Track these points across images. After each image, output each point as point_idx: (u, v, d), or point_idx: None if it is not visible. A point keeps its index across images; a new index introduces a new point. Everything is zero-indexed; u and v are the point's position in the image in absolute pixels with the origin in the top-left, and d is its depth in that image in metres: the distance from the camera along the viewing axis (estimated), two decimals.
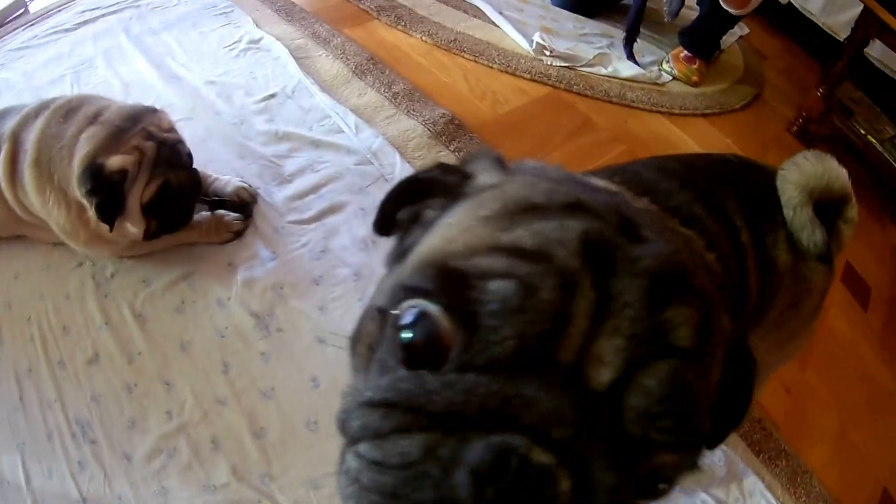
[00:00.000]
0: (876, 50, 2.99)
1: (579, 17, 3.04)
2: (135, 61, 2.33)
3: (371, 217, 1.64)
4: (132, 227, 1.56)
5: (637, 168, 0.94)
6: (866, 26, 2.51)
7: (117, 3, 2.67)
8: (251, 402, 1.51)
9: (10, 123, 1.66)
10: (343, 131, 2.00)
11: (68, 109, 1.57)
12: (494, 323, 0.43)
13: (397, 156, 1.91)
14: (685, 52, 2.86)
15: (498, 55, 2.49)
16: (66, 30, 2.55)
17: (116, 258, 1.77)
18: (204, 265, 1.72)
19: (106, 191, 1.48)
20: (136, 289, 1.71)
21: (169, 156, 1.56)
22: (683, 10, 2.99)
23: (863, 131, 2.72)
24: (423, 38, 2.54)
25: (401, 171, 1.86)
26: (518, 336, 0.43)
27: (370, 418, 0.46)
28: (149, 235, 1.61)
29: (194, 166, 1.66)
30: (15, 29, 2.59)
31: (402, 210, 0.67)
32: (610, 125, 2.27)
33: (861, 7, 2.53)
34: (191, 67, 2.28)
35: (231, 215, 1.76)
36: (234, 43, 2.41)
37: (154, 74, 2.26)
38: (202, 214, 1.76)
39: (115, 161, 1.46)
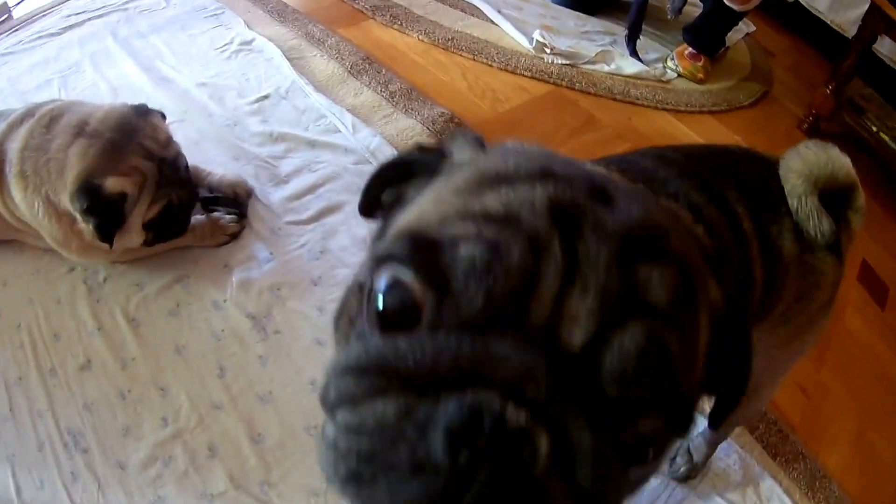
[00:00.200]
0: (886, 47, 3.05)
1: (580, 14, 3.10)
2: (123, 65, 2.37)
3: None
4: (131, 242, 1.60)
5: (635, 157, 0.96)
6: (874, 23, 2.57)
7: (104, 6, 2.73)
8: (249, 406, 1.53)
9: None
10: (340, 131, 2.04)
11: (51, 118, 1.58)
12: (464, 284, 0.45)
13: (394, 153, 1.93)
14: (689, 49, 2.91)
15: (497, 53, 2.54)
16: (52, 34, 2.60)
17: (109, 263, 1.80)
18: (199, 268, 1.75)
19: (105, 211, 1.51)
20: (129, 293, 1.74)
21: (170, 175, 1.59)
22: (687, 6, 3.04)
23: (874, 128, 2.76)
24: (420, 37, 2.59)
25: None
26: (487, 296, 0.44)
27: (345, 384, 0.47)
28: (146, 244, 1.65)
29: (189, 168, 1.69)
30: None
31: (385, 192, 0.71)
32: (614, 122, 2.31)
33: (868, 4, 2.58)
34: (181, 70, 2.32)
35: (226, 217, 1.79)
36: (225, 45, 2.46)
37: (143, 77, 2.30)
38: (197, 218, 1.79)
39: (114, 184, 1.49)
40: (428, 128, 2.05)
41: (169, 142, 1.62)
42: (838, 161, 1.02)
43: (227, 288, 1.70)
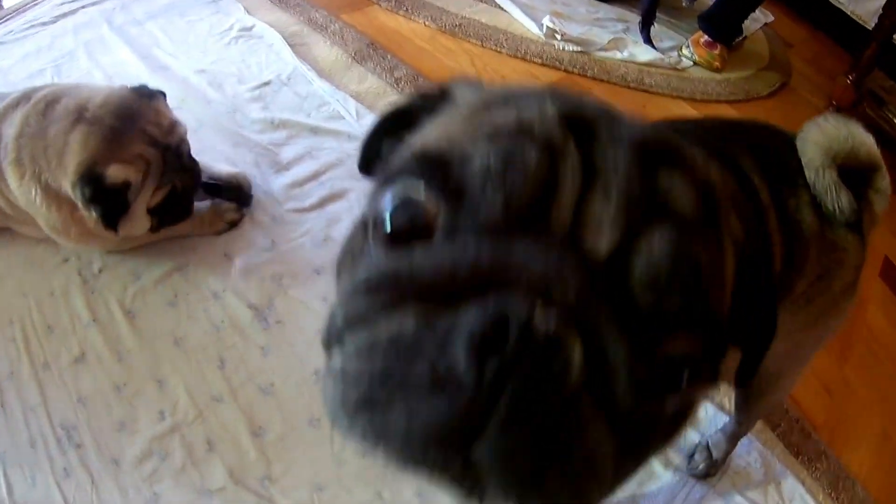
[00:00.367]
0: None
1: (592, 0, 3.11)
2: (118, 52, 2.38)
3: None
4: (136, 229, 1.60)
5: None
6: (894, 14, 2.58)
7: None
8: (249, 398, 1.53)
9: None
10: (343, 117, 2.05)
11: (47, 103, 1.58)
12: (480, 192, 0.43)
13: None
14: (705, 37, 2.92)
15: (506, 39, 2.55)
16: (44, 23, 2.60)
17: (104, 253, 1.80)
18: (198, 256, 1.76)
19: (108, 200, 1.51)
20: (125, 283, 1.74)
21: (174, 162, 1.60)
22: None
23: None
24: (427, 22, 2.60)
25: None
26: (505, 202, 0.42)
27: (354, 305, 0.45)
28: (151, 230, 1.65)
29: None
30: None
31: (385, 144, 0.69)
32: (627, 111, 2.31)
33: None
34: (179, 57, 2.33)
35: (227, 205, 1.79)
36: (224, 31, 2.47)
37: (140, 65, 2.31)
38: (196, 205, 1.79)
39: (116, 172, 1.49)
40: None
41: (173, 126, 1.62)
42: (859, 137, 1.01)
43: (227, 277, 1.71)
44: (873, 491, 1.68)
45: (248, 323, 1.63)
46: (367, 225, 0.50)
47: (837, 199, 0.95)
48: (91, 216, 1.52)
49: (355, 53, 2.32)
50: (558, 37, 2.55)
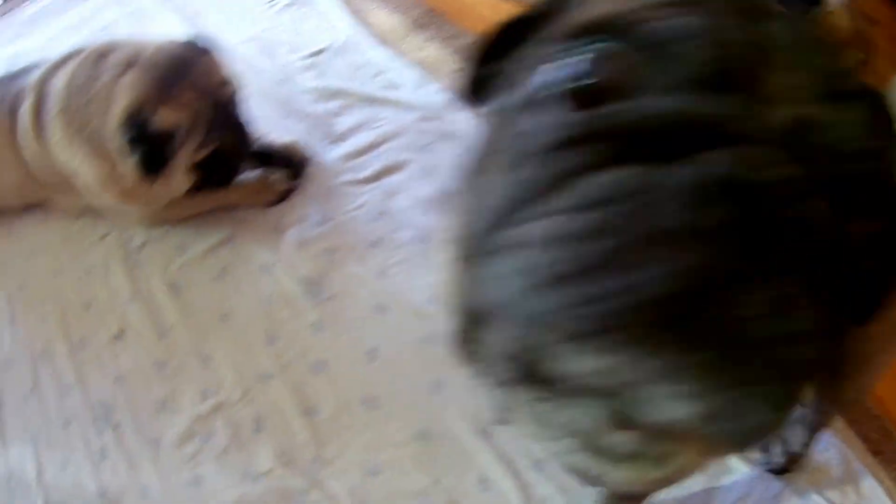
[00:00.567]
0: None
1: None
2: (163, 22, 2.53)
3: (438, 175, 1.74)
4: (175, 185, 1.70)
5: None
6: None
7: None
8: (300, 377, 1.59)
9: (36, 74, 1.84)
10: (402, 87, 2.12)
11: (99, 55, 1.72)
12: (683, 48, 0.44)
13: (463, 112, 2.00)
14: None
15: None
16: None
17: (147, 227, 1.91)
18: (247, 229, 1.84)
19: (150, 145, 1.61)
20: (169, 258, 1.84)
21: (224, 117, 1.69)
22: None
23: None
24: None
25: (467, 127, 1.90)
26: (714, 59, 0.43)
27: (532, 172, 0.44)
28: (190, 193, 1.76)
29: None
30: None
31: (492, 67, 0.68)
32: None
33: None
34: (227, 25, 2.45)
35: (277, 175, 1.89)
36: None
37: (186, 34, 2.44)
38: (245, 175, 1.89)
39: (164, 117, 1.59)
40: None
41: (225, 82, 1.72)
42: None
43: (277, 250, 1.78)
44: None
45: (299, 298, 1.70)
46: (523, 105, 0.52)
47: None
48: (130, 165, 1.63)
49: (414, 21, 2.36)
50: None
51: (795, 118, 0.43)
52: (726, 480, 1.46)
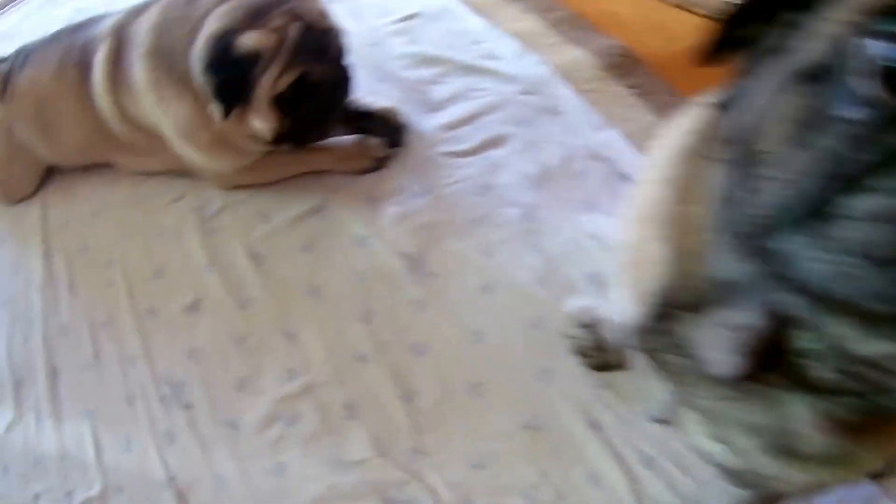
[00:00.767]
0: None
1: None
2: None
3: (541, 152, 1.64)
4: (259, 123, 1.56)
5: None
6: None
7: None
8: (398, 358, 1.48)
9: (109, 21, 1.73)
10: (501, 58, 2.02)
11: None
12: None
13: (566, 86, 1.90)
14: None
15: None
16: None
17: (226, 189, 1.80)
18: (338, 198, 1.73)
19: (230, 70, 1.50)
20: (251, 224, 1.73)
21: (314, 44, 1.56)
22: None
23: None
24: None
25: (572, 103, 1.85)
26: None
27: (852, 147, 0.44)
28: (280, 139, 1.61)
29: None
30: None
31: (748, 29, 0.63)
32: None
33: None
34: None
35: (374, 140, 1.76)
36: None
37: None
38: (340, 139, 1.77)
39: (247, 38, 1.48)
40: (600, 60, 2.01)
41: (324, 14, 1.60)
42: None
43: (372, 222, 1.67)
44: None
45: (398, 273, 1.58)
46: (819, 75, 0.49)
47: None
48: (215, 106, 1.52)
49: None
50: None
51: None
52: None
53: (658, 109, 1.71)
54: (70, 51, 1.79)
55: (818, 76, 0.51)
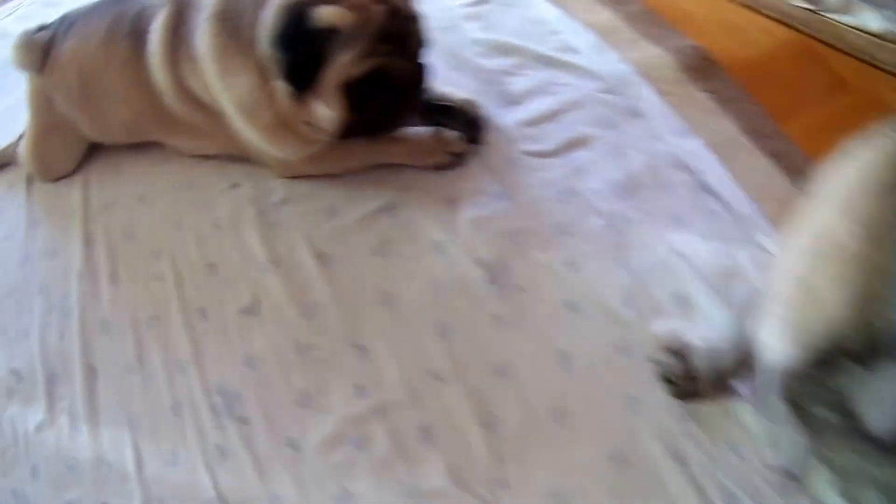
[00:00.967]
0: None
1: None
2: None
3: (625, 157, 1.61)
4: (323, 111, 1.44)
5: None
6: None
7: None
8: (480, 379, 1.36)
9: None
10: (579, 51, 1.92)
11: None
12: None
13: (648, 87, 1.81)
14: None
15: None
16: None
17: (289, 178, 1.68)
18: (413, 196, 1.62)
19: (301, 45, 1.37)
20: (316, 221, 1.62)
21: (397, 31, 1.44)
22: None
23: None
24: None
25: (654, 106, 1.75)
26: None
27: None
28: (344, 132, 1.49)
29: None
30: None
31: None
32: (861, 88, 2.15)
33: None
34: None
35: (451, 133, 1.64)
36: None
37: None
38: (415, 130, 1.66)
39: (326, 11, 1.35)
40: (678, 61, 1.91)
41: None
42: None
43: (450, 226, 1.56)
44: None
45: (479, 284, 1.46)
46: None
47: None
48: (274, 65, 1.40)
49: None
50: None
51: None
52: None
53: (737, 118, 1.67)
54: (121, 19, 1.68)
55: None
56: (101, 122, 1.81)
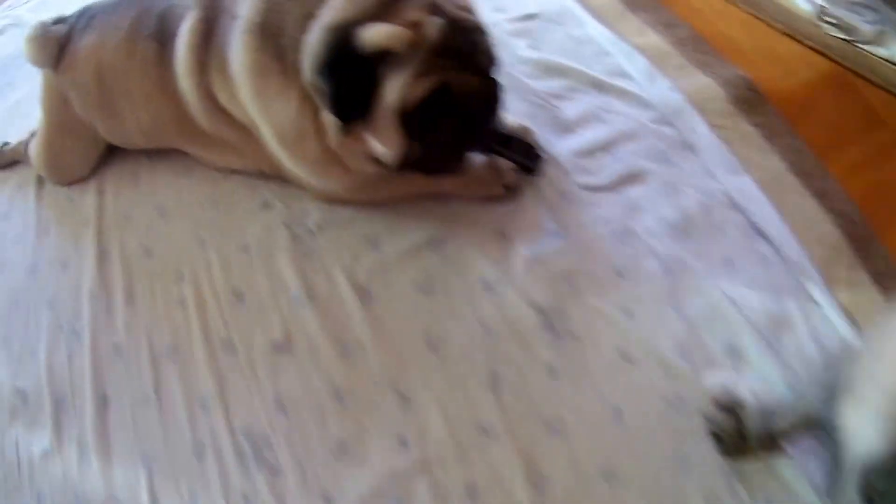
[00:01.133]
0: None
1: None
2: None
3: (680, 194, 1.55)
4: (379, 146, 1.33)
5: None
6: None
7: None
8: (530, 435, 1.30)
9: None
10: (630, 76, 1.86)
11: None
12: None
13: (700, 120, 1.73)
14: None
15: (776, 13, 2.34)
16: None
17: (326, 202, 1.59)
18: (461, 229, 1.54)
19: (349, 72, 1.25)
20: (356, 251, 1.54)
21: (459, 46, 1.31)
22: None
23: None
24: None
25: (707, 140, 1.68)
26: None
27: None
28: (406, 165, 1.38)
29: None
30: None
31: None
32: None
33: None
34: None
35: (505, 163, 1.55)
36: None
37: None
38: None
39: (375, 32, 1.23)
40: (728, 92, 1.84)
41: (468, 9, 1.37)
42: None
43: (502, 263, 1.48)
44: None
45: (532, 330, 1.40)
46: None
47: None
48: (320, 97, 1.29)
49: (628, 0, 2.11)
50: (827, 18, 2.33)
51: None
52: None
53: (784, 155, 1.64)
54: (146, 16, 1.57)
55: None
56: (118, 126, 1.71)
